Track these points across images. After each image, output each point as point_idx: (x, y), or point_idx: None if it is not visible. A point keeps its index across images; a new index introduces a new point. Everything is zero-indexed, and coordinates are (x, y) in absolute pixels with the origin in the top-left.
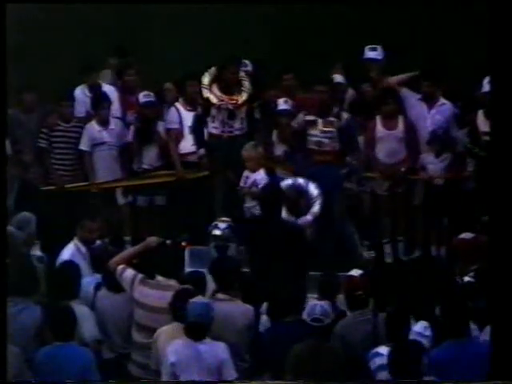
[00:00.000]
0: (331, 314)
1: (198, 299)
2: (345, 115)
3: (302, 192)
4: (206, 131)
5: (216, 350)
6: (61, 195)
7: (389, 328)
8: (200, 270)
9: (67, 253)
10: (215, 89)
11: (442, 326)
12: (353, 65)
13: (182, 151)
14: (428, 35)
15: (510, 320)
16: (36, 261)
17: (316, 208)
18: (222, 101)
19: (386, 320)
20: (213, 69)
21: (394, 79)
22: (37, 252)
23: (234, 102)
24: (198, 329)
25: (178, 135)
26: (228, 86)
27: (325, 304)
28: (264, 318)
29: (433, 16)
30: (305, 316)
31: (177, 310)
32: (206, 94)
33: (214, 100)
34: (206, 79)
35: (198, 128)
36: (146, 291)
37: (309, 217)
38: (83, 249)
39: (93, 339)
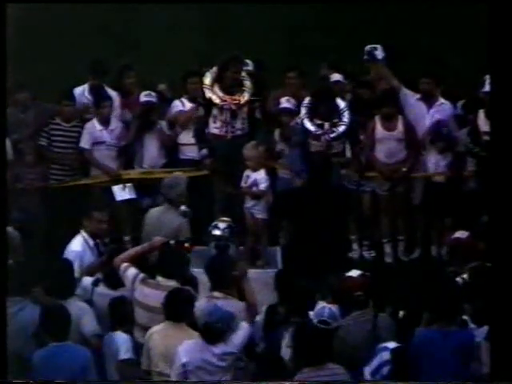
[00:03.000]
0: (339, 318)
1: (222, 305)
2: (349, 116)
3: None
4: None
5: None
6: (62, 192)
7: (398, 329)
8: (193, 269)
9: (76, 246)
10: (217, 89)
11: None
12: (352, 64)
13: (182, 142)
14: (428, 35)
15: (509, 320)
16: (182, 214)
17: (347, 114)
18: (225, 101)
19: (397, 321)
20: (214, 69)
21: None
22: (182, 207)
23: (237, 102)
24: (213, 332)
25: (190, 116)
26: (229, 85)
27: (334, 307)
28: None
29: (433, 16)
30: (312, 317)
31: (170, 309)
32: (208, 94)
33: (216, 100)
34: (207, 79)
35: (199, 129)
36: (146, 291)
37: (340, 128)
38: (91, 242)
39: (93, 334)
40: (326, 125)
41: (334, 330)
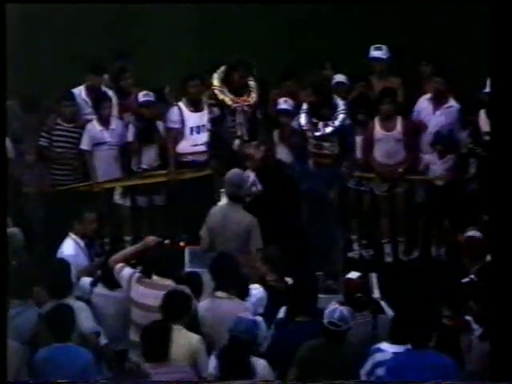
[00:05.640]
0: (350, 320)
1: (245, 315)
2: (343, 118)
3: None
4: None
5: (257, 366)
6: (61, 194)
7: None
8: (196, 270)
9: (70, 250)
10: (225, 90)
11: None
12: (351, 64)
13: (182, 151)
14: (429, 36)
15: (509, 320)
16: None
17: (340, 118)
18: (237, 102)
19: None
20: (221, 70)
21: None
22: None
23: (247, 102)
24: (242, 345)
25: (179, 135)
26: (237, 87)
27: (345, 309)
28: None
29: (433, 16)
30: (324, 318)
31: (168, 310)
32: (221, 96)
33: (229, 102)
34: (215, 81)
35: (213, 130)
36: (142, 290)
37: (327, 129)
38: (82, 243)
39: (91, 331)
40: (320, 124)
41: (344, 332)
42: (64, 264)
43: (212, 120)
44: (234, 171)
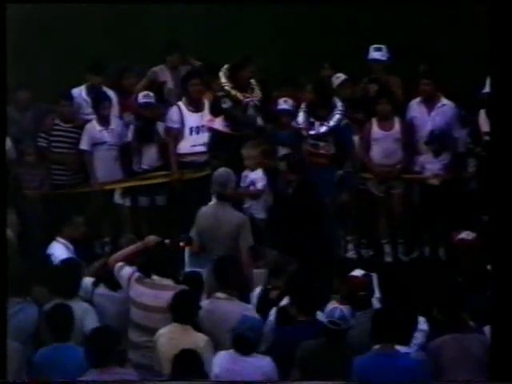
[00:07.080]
0: (350, 319)
1: (250, 313)
2: (337, 119)
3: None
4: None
5: (261, 364)
6: (61, 195)
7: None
8: (197, 270)
9: (63, 254)
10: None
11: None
12: (349, 64)
13: (181, 151)
14: (428, 35)
15: (510, 320)
16: None
17: (335, 118)
18: (247, 97)
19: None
20: (225, 68)
21: None
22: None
23: (255, 98)
24: (245, 342)
25: (178, 135)
26: (241, 84)
27: (345, 308)
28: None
29: (433, 16)
30: (323, 317)
31: (177, 311)
32: (233, 91)
33: (241, 97)
34: (222, 78)
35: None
36: (142, 290)
37: (322, 129)
38: (71, 247)
39: None
40: (317, 123)
41: (345, 331)
42: (75, 264)
43: (225, 110)
44: (221, 170)
